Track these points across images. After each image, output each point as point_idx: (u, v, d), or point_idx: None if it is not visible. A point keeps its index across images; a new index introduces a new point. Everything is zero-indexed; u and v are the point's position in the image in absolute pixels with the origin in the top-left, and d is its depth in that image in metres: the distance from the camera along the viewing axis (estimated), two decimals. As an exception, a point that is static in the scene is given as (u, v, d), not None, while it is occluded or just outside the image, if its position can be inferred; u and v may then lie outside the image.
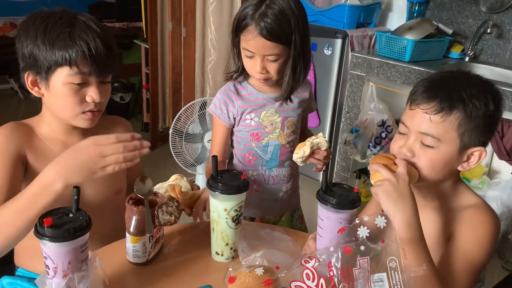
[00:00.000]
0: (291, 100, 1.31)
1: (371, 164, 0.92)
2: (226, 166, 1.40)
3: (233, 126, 1.35)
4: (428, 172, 0.94)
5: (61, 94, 1.04)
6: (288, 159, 1.36)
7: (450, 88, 0.93)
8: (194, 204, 1.15)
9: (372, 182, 0.91)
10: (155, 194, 1.04)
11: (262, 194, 1.39)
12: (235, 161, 1.40)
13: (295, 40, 1.18)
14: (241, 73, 1.30)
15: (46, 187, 0.88)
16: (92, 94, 1.05)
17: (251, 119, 1.32)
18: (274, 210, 1.44)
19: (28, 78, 1.07)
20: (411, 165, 0.92)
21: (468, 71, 1.01)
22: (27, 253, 1.16)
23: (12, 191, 0.98)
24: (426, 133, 0.93)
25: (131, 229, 0.98)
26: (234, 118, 1.32)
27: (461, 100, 0.90)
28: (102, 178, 0.91)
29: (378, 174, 0.90)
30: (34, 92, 1.08)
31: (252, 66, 1.22)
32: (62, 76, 1.02)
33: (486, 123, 0.92)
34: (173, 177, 1.15)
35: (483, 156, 0.94)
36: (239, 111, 1.31)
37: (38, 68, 1.03)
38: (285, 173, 1.39)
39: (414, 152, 0.94)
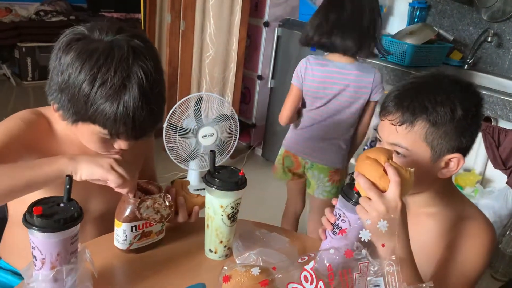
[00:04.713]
0: None
1: (358, 174, 0.82)
2: None
3: None
4: None
5: (86, 138, 0.96)
6: None
7: (415, 97, 0.91)
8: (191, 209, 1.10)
9: (361, 193, 0.83)
10: (152, 183, 1.03)
11: None
12: None
13: None
14: None
15: (52, 159, 0.89)
16: (121, 144, 0.95)
17: None
18: None
19: (54, 104, 0.93)
20: (404, 171, 0.82)
21: (445, 74, 0.97)
22: (14, 248, 1.12)
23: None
24: (395, 144, 0.92)
25: (115, 213, 0.98)
26: None
27: (424, 109, 0.89)
28: (109, 190, 0.91)
29: None
30: (58, 114, 0.94)
31: None
32: (93, 128, 0.91)
33: (456, 129, 0.90)
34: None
35: (461, 164, 0.92)
36: None
37: (68, 108, 0.90)
38: None
39: None
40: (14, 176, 0.86)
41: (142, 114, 0.88)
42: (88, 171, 0.88)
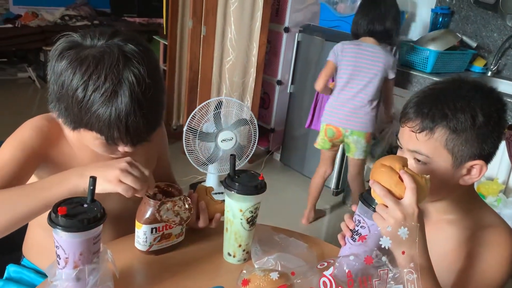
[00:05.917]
0: None
1: (373, 181, 0.82)
2: None
3: None
4: None
5: (90, 143, 0.96)
6: None
7: (435, 103, 0.89)
8: (213, 215, 1.12)
9: (377, 201, 0.83)
10: (173, 186, 1.04)
11: None
12: None
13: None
14: None
15: (62, 177, 0.89)
16: (124, 147, 0.95)
17: None
18: None
19: (55, 112, 0.93)
20: (419, 178, 0.82)
21: (465, 80, 0.95)
22: (36, 247, 1.14)
23: (16, 181, 0.94)
24: (415, 151, 0.91)
25: (136, 215, 1.00)
26: None
27: (444, 116, 0.87)
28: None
29: None
30: (60, 121, 0.95)
31: None
32: (92, 134, 0.91)
33: (478, 136, 0.88)
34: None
35: (483, 171, 0.91)
36: None
37: (66, 116, 0.91)
38: None
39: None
40: (31, 200, 0.87)
41: (135, 119, 0.87)
42: (99, 187, 0.88)
